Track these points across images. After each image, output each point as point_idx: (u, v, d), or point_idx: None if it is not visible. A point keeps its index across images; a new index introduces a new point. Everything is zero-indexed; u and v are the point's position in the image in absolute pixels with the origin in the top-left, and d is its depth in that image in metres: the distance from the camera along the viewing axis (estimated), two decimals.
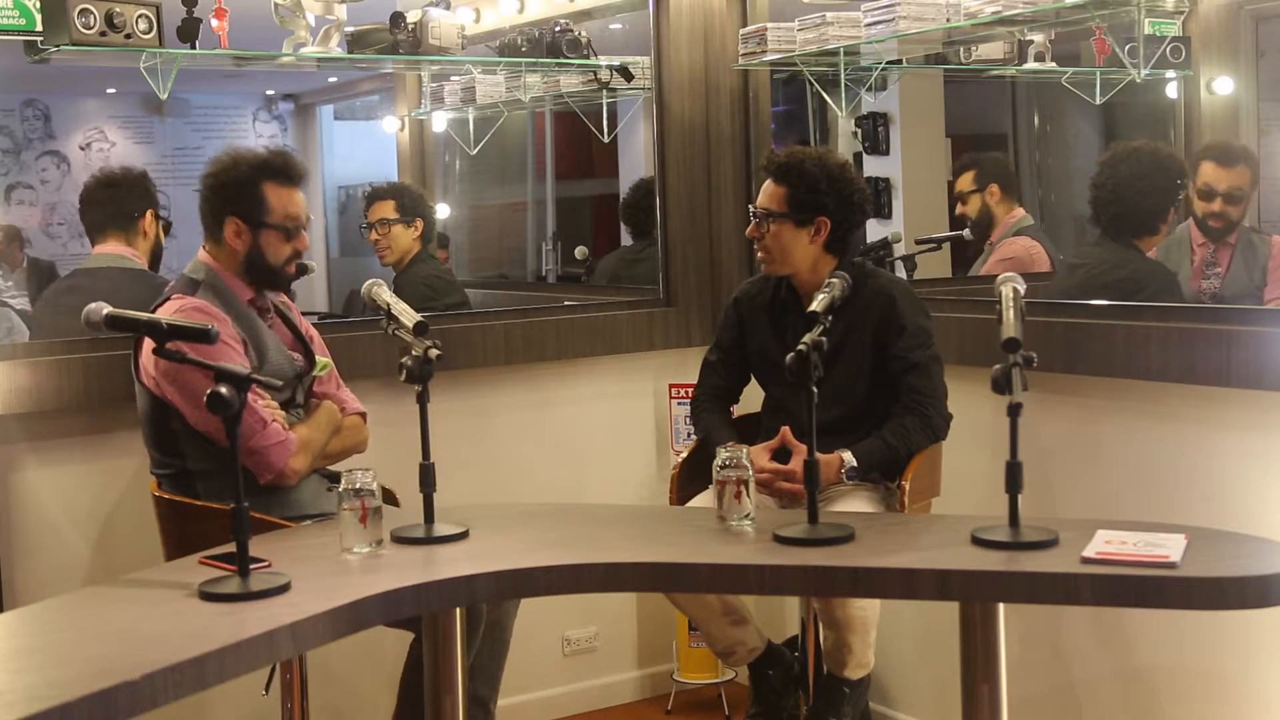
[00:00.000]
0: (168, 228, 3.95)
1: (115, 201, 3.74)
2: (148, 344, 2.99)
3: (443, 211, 5.42)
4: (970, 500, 3.35)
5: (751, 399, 3.62)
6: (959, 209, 4.39)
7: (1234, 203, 3.58)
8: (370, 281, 2.99)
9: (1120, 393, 3.30)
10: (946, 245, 4.36)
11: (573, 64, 4.27)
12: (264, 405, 3.00)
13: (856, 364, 3.31)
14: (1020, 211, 4.36)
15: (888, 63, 4.20)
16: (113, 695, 1.89)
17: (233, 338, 2.99)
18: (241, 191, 3.09)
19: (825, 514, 2.76)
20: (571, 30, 4.21)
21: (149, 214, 3.79)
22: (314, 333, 3.33)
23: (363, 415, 3.31)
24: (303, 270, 3.81)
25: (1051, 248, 4.30)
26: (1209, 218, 3.59)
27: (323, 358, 3.27)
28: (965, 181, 4.39)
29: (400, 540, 2.71)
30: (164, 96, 3.50)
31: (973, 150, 4.59)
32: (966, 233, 4.31)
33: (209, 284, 3.10)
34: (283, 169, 3.13)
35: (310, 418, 3.17)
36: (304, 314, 3.37)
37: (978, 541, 2.52)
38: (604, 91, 4.54)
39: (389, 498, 3.21)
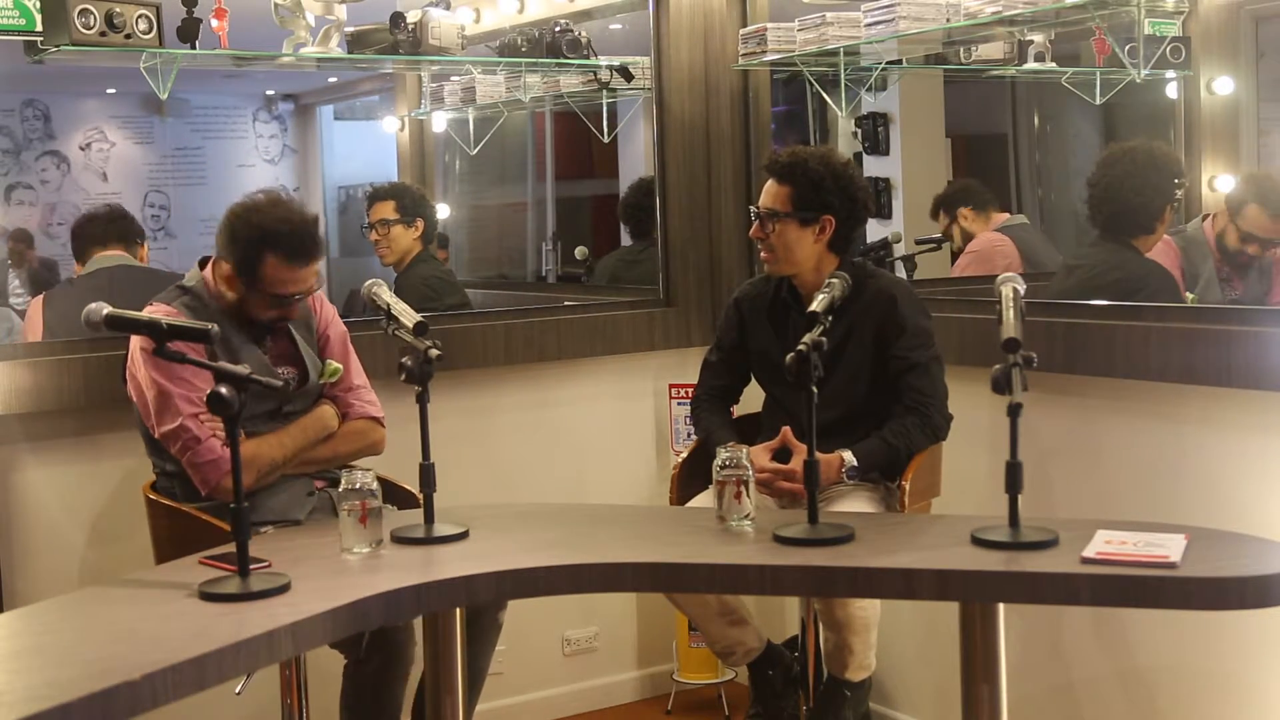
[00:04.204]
0: None
1: (119, 228, 3.89)
2: (133, 346, 3.02)
3: (443, 211, 5.41)
4: (970, 500, 3.35)
5: (751, 399, 3.62)
6: (945, 243, 4.38)
7: (1267, 249, 3.58)
8: (370, 282, 2.99)
9: (1120, 393, 3.30)
10: (946, 245, 4.36)
11: (573, 64, 4.27)
12: (204, 420, 2.95)
13: (857, 364, 3.31)
14: (1003, 217, 4.35)
15: (888, 63, 4.19)
16: (113, 695, 1.89)
17: (196, 352, 2.80)
18: (245, 250, 3.02)
19: (825, 514, 2.76)
20: (571, 30, 4.21)
21: (144, 246, 3.95)
22: (334, 334, 3.28)
23: (376, 419, 3.26)
24: None
25: (1035, 245, 4.30)
26: (1240, 255, 3.59)
27: (333, 363, 3.23)
28: (941, 222, 4.38)
29: (400, 540, 2.71)
30: (164, 96, 3.50)
31: (971, 150, 4.59)
32: None
33: (195, 293, 3.09)
34: (288, 246, 3.00)
35: (275, 432, 3.09)
36: None
37: (978, 541, 2.52)
38: (604, 91, 4.54)
39: (409, 498, 3.19)
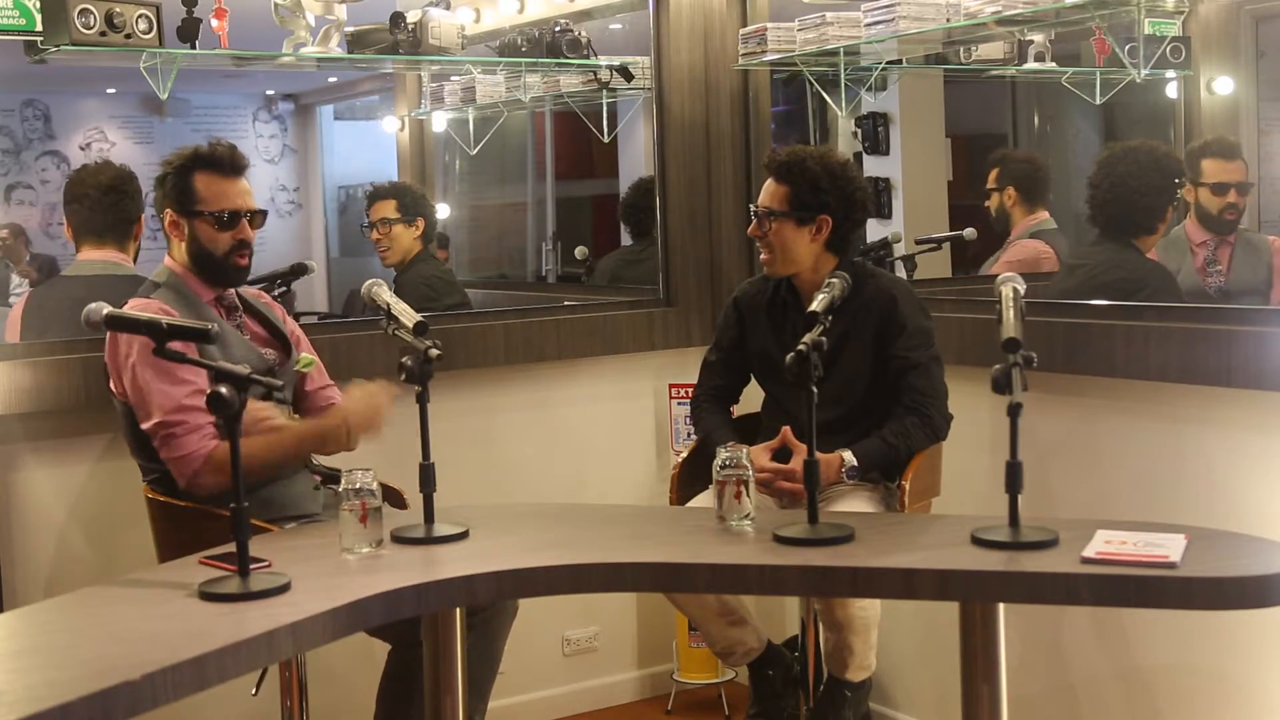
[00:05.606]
0: None
1: (120, 209, 3.63)
2: (123, 347, 3.01)
3: (443, 211, 5.42)
4: (970, 500, 3.35)
5: (751, 399, 3.62)
6: (986, 201, 4.38)
7: (1244, 193, 3.61)
8: (370, 281, 2.99)
9: (1120, 393, 3.30)
10: (946, 245, 4.36)
11: (573, 64, 4.27)
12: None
13: (856, 364, 3.31)
14: (1042, 215, 4.31)
15: (888, 63, 4.19)
16: (113, 695, 1.89)
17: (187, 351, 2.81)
18: (174, 183, 3.11)
19: (825, 514, 2.76)
20: (571, 30, 4.21)
21: (142, 218, 3.76)
22: (300, 334, 3.33)
23: None
24: (301, 270, 3.80)
25: (1064, 249, 4.29)
26: (1225, 211, 3.61)
27: (306, 355, 3.26)
28: (990, 178, 4.38)
29: (400, 540, 2.71)
30: (164, 96, 3.50)
31: (986, 150, 4.58)
32: (968, 233, 4.30)
33: (169, 285, 3.11)
34: (215, 159, 3.11)
35: (278, 432, 3.04)
36: (303, 314, 3.36)
37: (978, 541, 2.51)
38: (604, 91, 4.54)
39: (397, 498, 3.20)
